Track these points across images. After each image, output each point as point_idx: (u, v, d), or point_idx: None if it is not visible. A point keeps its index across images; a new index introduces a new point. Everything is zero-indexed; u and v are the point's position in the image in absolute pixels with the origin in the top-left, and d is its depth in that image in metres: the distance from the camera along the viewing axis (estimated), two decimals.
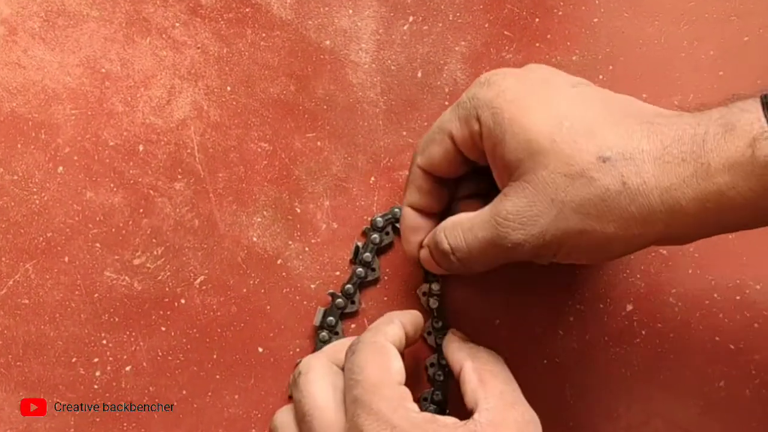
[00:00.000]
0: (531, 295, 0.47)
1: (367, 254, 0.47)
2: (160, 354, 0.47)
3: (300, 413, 0.39)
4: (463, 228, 0.39)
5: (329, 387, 0.38)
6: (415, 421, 0.36)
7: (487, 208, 0.38)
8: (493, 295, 0.47)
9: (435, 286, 0.46)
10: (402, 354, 0.40)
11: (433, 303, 0.46)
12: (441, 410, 0.46)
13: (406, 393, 0.37)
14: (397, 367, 0.38)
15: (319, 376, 0.39)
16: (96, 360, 0.47)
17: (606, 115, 0.36)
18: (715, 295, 0.46)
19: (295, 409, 0.40)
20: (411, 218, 0.43)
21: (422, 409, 0.38)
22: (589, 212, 0.35)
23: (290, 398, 0.45)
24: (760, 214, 0.35)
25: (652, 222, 0.35)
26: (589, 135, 0.35)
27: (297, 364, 0.44)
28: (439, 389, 0.46)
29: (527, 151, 0.36)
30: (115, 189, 0.47)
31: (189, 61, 0.48)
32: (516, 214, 0.37)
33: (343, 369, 0.39)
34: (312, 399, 0.38)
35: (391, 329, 0.40)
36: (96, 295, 0.47)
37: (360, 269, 0.47)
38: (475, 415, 0.37)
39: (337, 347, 0.42)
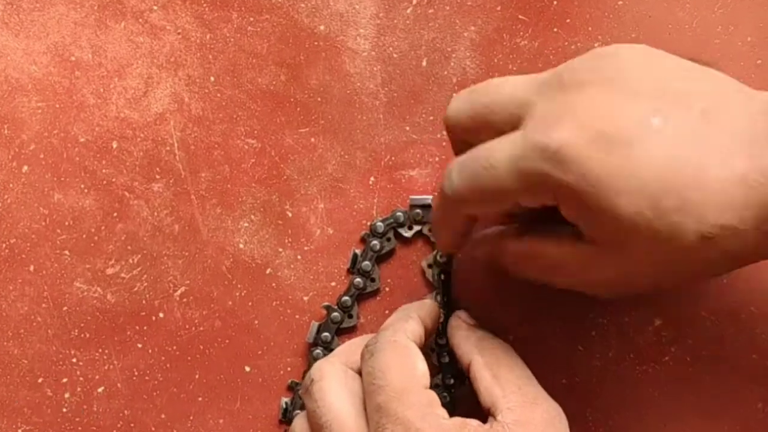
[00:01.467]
0: (548, 307, 0.45)
1: (366, 263, 0.45)
2: (136, 374, 0.45)
3: (316, 425, 0.38)
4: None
5: (347, 394, 0.38)
6: (445, 428, 0.35)
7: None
8: (506, 307, 0.45)
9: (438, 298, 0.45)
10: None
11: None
12: (455, 396, 0.45)
13: (433, 397, 0.36)
14: (422, 369, 0.37)
15: (335, 383, 0.38)
16: (65, 380, 0.45)
17: (700, 175, 0.33)
18: (752, 309, 0.44)
19: (309, 422, 0.39)
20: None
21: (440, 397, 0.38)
22: (678, 272, 0.35)
23: (281, 422, 0.45)
24: None
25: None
26: (687, 211, 0.33)
27: (304, 372, 0.44)
28: (449, 372, 0.45)
29: (619, 232, 0.33)
30: (85, 190, 0.46)
31: (168, 48, 0.47)
32: (607, 283, 0.37)
33: (359, 372, 0.39)
34: (329, 409, 0.37)
35: (410, 326, 0.39)
36: (65, 308, 0.46)
37: (358, 279, 0.45)
38: (499, 417, 0.36)
39: (351, 348, 0.41)
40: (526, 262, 0.38)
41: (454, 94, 0.39)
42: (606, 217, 0.33)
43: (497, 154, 0.35)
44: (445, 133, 0.45)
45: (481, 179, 0.35)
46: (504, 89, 0.37)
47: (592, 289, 0.38)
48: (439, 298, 0.45)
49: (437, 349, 0.45)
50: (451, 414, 0.37)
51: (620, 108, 0.33)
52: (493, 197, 0.36)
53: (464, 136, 0.38)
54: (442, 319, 0.44)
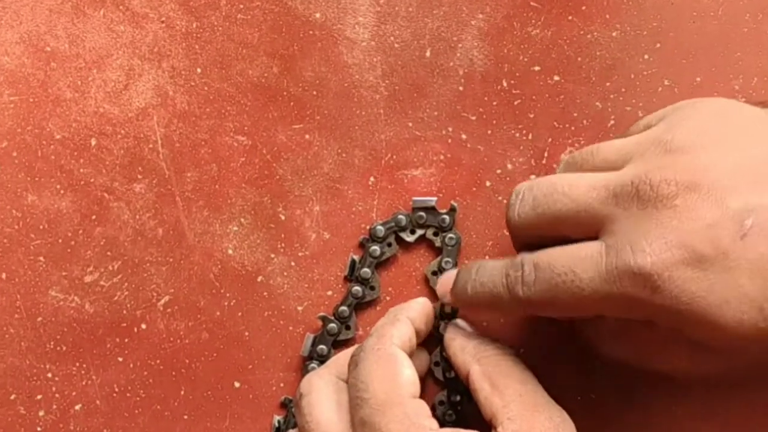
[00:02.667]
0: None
1: (366, 270, 0.44)
2: (116, 390, 0.45)
3: None
4: None
5: (335, 407, 0.38)
6: None
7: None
8: (517, 317, 0.45)
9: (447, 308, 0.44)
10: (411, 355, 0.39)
11: (442, 328, 0.43)
12: (463, 414, 0.44)
13: (421, 407, 0.36)
14: (407, 377, 0.37)
15: (323, 396, 0.38)
16: (39, 397, 0.45)
17: None
18: None
19: None
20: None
21: (443, 417, 0.38)
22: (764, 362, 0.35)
23: None
24: None
25: None
26: None
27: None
28: (454, 389, 0.44)
29: (721, 339, 0.33)
30: (62, 191, 0.45)
31: (151, 38, 0.46)
32: (686, 370, 0.37)
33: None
34: (318, 424, 0.37)
35: (398, 331, 0.39)
36: (39, 318, 0.45)
37: (357, 288, 0.44)
38: (499, 428, 0.36)
39: (342, 359, 0.41)
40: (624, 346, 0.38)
41: (514, 195, 0.38)
42: (705, 327, 0.33)
43: (581, 274, 0.35)
44: (451, 129, 0.45)
45: (561, 295, 0.35)
46: (574, 196, 0.36)
47: (665, 368, 0.38)
48: (446, 308, 0.44)
49: (442, 363, 0.44)
50: None
51: (711, 219, 0.33)
52: (572, 311, 0.36)
53: (529, 239, 0.39)
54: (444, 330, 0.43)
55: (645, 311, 0.34)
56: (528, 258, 0.37)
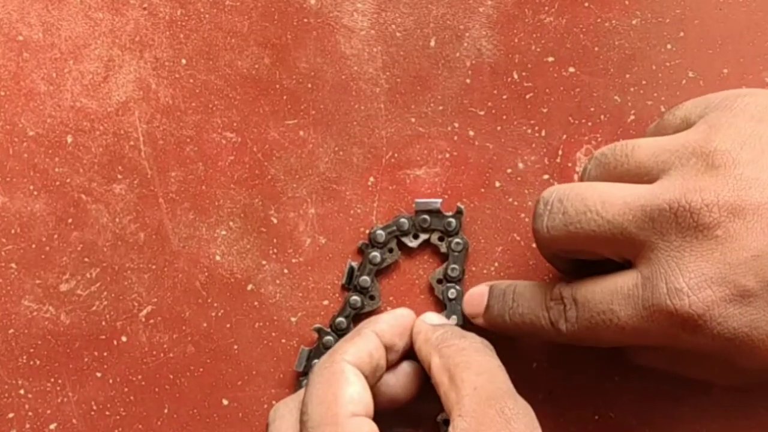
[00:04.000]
0: None
1: (365, 277, 0.44)
2: (94, 407, 0.45)
3: None
4: None
5: None
6: None
7: None
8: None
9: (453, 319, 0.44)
10: (380, 372, 0.39)
11: None
12: None
13: (360, 426, 0.36)
14: (349, 396, 0.37)
15: (285, 424, 0.39)
16: (11, 416, 0.45)
17: None
18: None
19: None
20: None
21: None
22: None
23: None
24: None
25: None
26: None
27: None
28: None
29: (764, 365, 0.34)
30: (35, 192, 0.45)
31: (132, 26, 0.46)
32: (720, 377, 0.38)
33: None
34: None
35: (353, 346, 0.39)
36: (11, 330, 0.45)
37: (355, 297, 0.44)
38: (449, 429, 0.35)
39: None
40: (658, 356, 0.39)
41: (542, 204, 0.38)
42: (746, 357, 0.34)
43: (619, 312, 0.36)
44: (457, 125, 0.45)
45: (603, 332, 0.37)
46: (609, 216, 0.36)
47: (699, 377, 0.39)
48: (453, 319, 0.44)
49: None
50: None
51: (757, 249, 0.33)
52: (614, 344, 0.38)
53: (559, 252, 0.39)
54: None
55: (685, 345, 0.35)
56: (567, 292, 0.38)
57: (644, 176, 0.36)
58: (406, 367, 0.41)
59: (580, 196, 0.37)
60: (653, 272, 0.34)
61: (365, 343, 0.39)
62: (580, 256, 0.38)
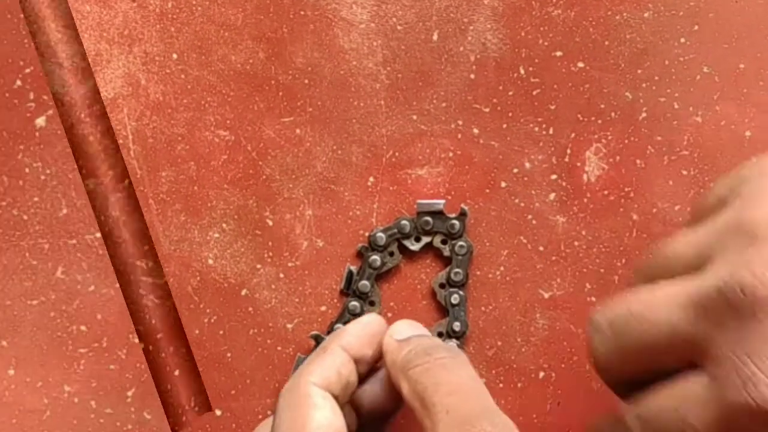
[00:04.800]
0: (584, 334, 0.43)
1: (364, 282, 0.44)
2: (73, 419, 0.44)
3: None
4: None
5: None
6: None
7: None
8: (534, 333, 0.45)
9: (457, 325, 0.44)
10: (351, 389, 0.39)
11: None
12: None
13: None
14: (317, 422, 0.36)
15: None
16: None
17: None
18: None
19: None
20: None
21: None
22: None
23: None
24: None
25: None
26: None
27: None
28: None
29: None
30: None
31: (121, 19, 0.45)
32: None
33: None
34: None
35: (319, 366, 0.38)
36: None
37: (354, 303, 0.44)
38: None
39: None
40: None
41: (592, 328, 0.37)
42: None
43: (694, 422, 0.33)
44: (461, 122, 0.45)
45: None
46: (656, 320, 0.34)
47: None
48: (456, 325, 0.44)
49: None
50: None
51: None
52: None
53: (620, 375, 0.37)
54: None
55: None
56: (632, 416, 0.35)
57: (688, 270, 0.34)
58: (382, 373, 0.41)
59: (624, 309, 0.35)
60: (722, 370, 0.32)
61: (332, 360, 0.39)
62: (648, 376, 0.36)
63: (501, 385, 0.44)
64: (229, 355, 0.45)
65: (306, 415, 0.36)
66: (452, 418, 0.34)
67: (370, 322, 0.41)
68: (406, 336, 0.40)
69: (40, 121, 0.44)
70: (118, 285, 0.44)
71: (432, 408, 0.35)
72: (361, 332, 0.40)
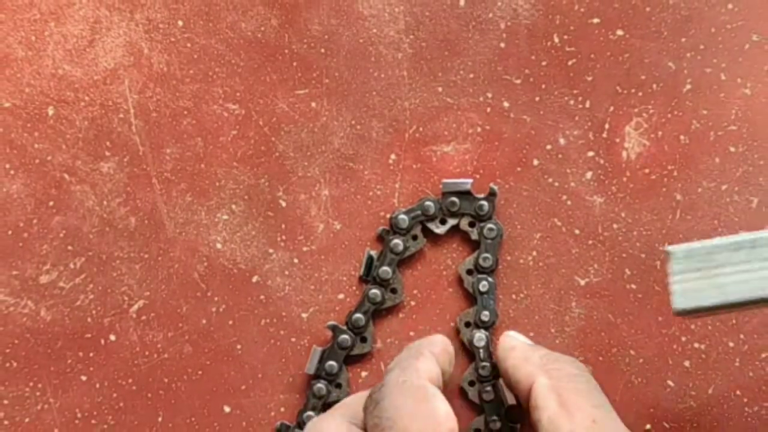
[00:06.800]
0: (626, 331, 0.43)
1: (385, 268, 0.44)
2: (79, 415, 0.44)
3: None
4: None
5: None
6: None
7: None
8: (569, 323, 0.43)
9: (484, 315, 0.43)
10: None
11: (479, 340, 0.44)
12: None
13: None
14: (444, 411, 0.36)
15: None
16: None
17: None
18: None
19: None
20: None
21: None
22: None
23: None
24: None
25: None
26: None
27: (300, 413, 0.43)
28: (493, 413, 0.44)
29: None
30: (12, 172, 0.45)
31: None
32: None
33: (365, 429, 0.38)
34: None
35: (424, 364, 0.38)
36: None
37: (374, 290, 0.43)
38: None
39: (356, 400, 0.40)
40: None
41: None
42: None
43: None
44: (490, 95, 0.45)
45: None
46: None
47: None
48: (485, 315, 0.43)
49: (477, 383, 0.44)
50: None
51: None
52: None
53: None
54: (483, 343, 0.43)
55: None
56: None
57: None
58: None
59: None
60: None
61: (432, 364, 0.39)
62: None
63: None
64: (239, 347, 0.44)
65: (430, 404, 0.36)
66: (600, 428, 0.35)
67: (446, 340, 0.41)
68: (523, 340, 0.41)
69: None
70: None
71: (576, 411, 0.36)
72: (443, 347, 0.40)
